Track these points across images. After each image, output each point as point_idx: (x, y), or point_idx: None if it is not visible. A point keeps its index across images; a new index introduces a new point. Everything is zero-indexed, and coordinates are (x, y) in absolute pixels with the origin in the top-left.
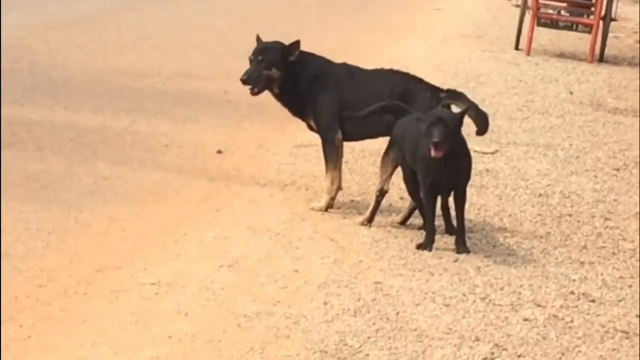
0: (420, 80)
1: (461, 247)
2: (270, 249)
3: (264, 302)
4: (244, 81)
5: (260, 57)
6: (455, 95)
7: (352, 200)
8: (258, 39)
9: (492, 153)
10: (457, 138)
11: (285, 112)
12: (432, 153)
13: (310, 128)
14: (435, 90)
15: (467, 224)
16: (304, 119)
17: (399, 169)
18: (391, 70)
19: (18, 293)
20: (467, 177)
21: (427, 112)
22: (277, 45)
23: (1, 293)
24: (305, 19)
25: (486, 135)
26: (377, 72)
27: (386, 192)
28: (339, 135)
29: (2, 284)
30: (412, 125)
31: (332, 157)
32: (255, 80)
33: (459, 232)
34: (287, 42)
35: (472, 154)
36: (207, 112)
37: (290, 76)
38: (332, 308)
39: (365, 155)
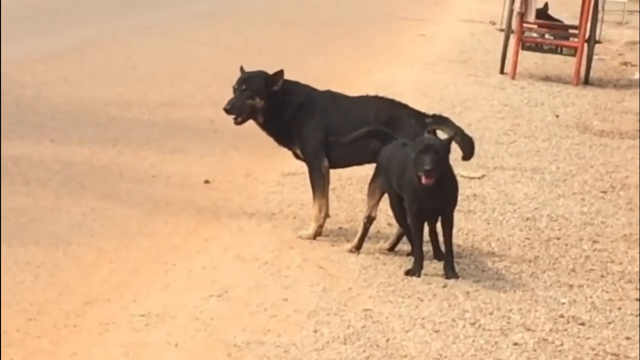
0: (406, 107)
1: (450, 272)
2: (259, 278)
3: (254, 331)
4: (227, 111)
5: (243, 87)
6: (441, 121)
7: (340, 228)
8: (242, 69)
9: (479, 178)
10: (446, 165)
11: (271, 140)
12: (424, 181)
13: (297, 156)
14: (420, 115)
15: (455, 249)
16: (290, 148)
17: (387, 195)
18: (376, 97)
19: (7, 327)
20: (454, 202)
21: (415, 139)
22: (260, 75)
23: None
24: (290, 46)
25: (473, 160)
26: (362, 99)
27: (374, 218)
28: (326, 163)
29: None
30: (398, 151)
31: (319, 184)
32: (238, 110)
33: (447, 258)
34: (272, 70)
35: (459, 179)
36: (194, 142)
37: (274, 105)
38: (322, 336)
39: (352, 183)
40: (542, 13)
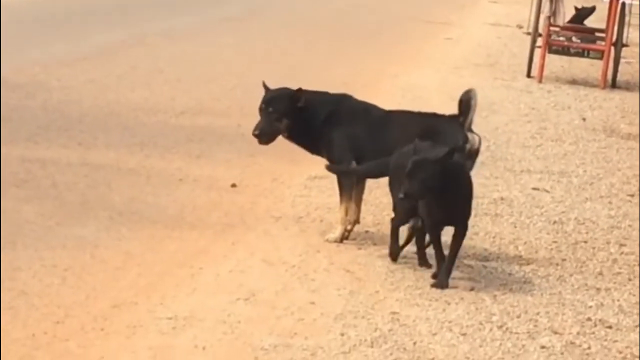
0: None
1: (443, 280)
2: (286, 281)
3: (281, 334)
4: (257, 136)
5: (270, 109)
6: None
7: (366, 231)
8: (264, 85)
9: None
10: (441, 179)
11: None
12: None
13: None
14: (454, 118)
15: (482, 252)
16: (319, 155)
17: None
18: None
19: (35, 330)
20: (466, 212)
21: (413, 150)
22: (284, 93)
23: (18, 331)
24: (316, 50)
25: (500, 163)
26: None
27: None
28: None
29: (19, 321)
30: (405, 158)
31: (346, 188)
32: (268, 134)
33: (447, 264)
34: (300, 76)
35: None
36: (221, 146)
37: (299, 121)
38: (349, 339)
39: (379, 186)
40: (582, 17)
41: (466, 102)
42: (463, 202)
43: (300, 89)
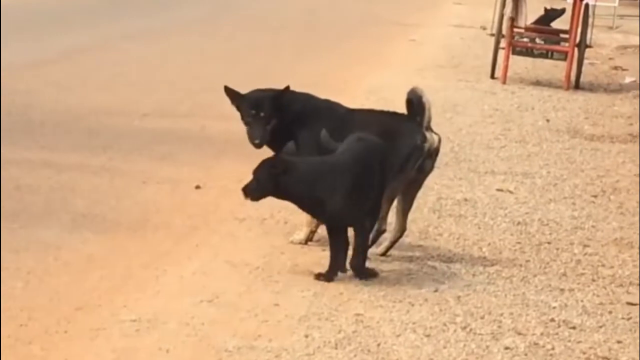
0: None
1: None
2: (250, 283)
3: (244, 336)
4: (259, 145)
5: (262, 114)
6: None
7: None
8: (227, 90)
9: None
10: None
11: (263, 147)
12: None
13: None
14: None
15: (446, 253)
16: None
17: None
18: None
19: None
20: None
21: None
22: (268, 95)
23: None
24: (281, 52)
25: (464, 165)
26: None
27: (384, 231)
28: None
29: None
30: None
31: None
32: (265, 140)
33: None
34: (263, 76)
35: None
36: (185, 148)
37: (280, 122)
38: (313, 341)
39: None
40: (551, 18)
41: (417, 101)
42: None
43: (288, 88)
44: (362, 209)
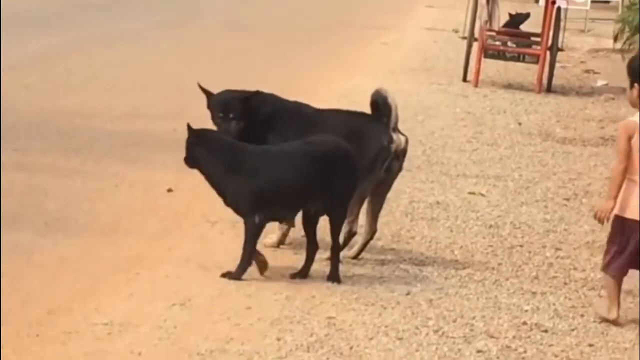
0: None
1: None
2: (222, 286)
3: (217, 339)
4: None
5: (231, 115)
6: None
7: (302, 236)
8: (202, 88)
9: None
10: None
11: None
12: None
13: None
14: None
15: (418, 256)
16: None
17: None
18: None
19: None
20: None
21: None
22: (237, 97)
23: None
24: (253, 55)
25: (435, 168)
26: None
27: (355, 234)
28: None
29: None
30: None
31: None
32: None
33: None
34: (235, 79)
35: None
36: (157, 151)
37: (247, 121)
38: (285, 344)
39: None
40: (517, 23)
41: (383, 102)
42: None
43: (258, 92)
44: (262, 204)
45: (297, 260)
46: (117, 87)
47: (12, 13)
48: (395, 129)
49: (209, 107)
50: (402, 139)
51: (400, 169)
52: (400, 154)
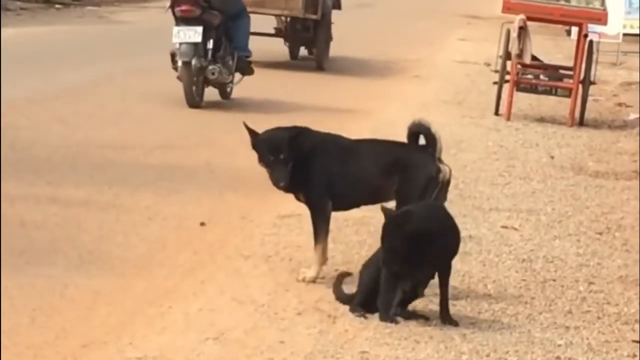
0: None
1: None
2: (255, 320)
3: None
4: (284, 188)
5: (281, 156)
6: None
7: (336, 270)
8: (247, 128)
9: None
10: None
11: (268, 182)
12: None
13: (299, 199)
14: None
15: (451, 290)
16: (294, 193)
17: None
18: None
19: None
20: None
21: None
22: (285, 136)
23: None
24: (284, 89)
25: (468, 202)
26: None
27: None
28: (329, 206)
29: None
30: None
31: (323, 227)
32: (290, 181)
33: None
34: (271, 111)
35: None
36: (190, 184)
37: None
38: None
39: (348, 225)
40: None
41: (427, 133)
42: None
43: (304, 128)
44: None
45: (330, 293)
46: (149, 119)
47: (44, 47)
48: (440, 159)
49: (254, 147)
50: (447, 169)
51: (445, 199)
52: (445, 184)
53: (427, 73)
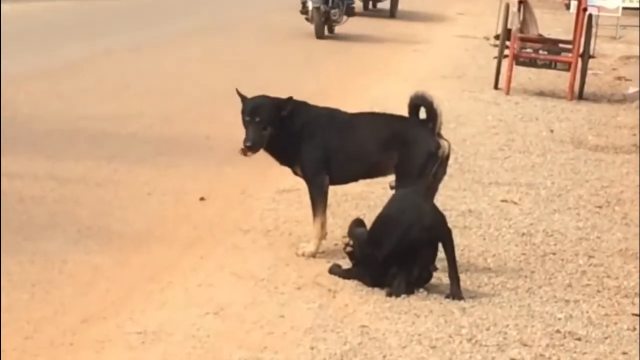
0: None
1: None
2: (255, 295)
3: (250, 348)
4: (250, 148)
5: (257, 119)
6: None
7: (335, 244)
8: (240, 94)
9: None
10: None
11: (267, 157)
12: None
13: (296, 174)
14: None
15: None
16: (290, 166)
17: None
18: (373, 113)
19: (4, 346)
20: None
21: None
22: (269, 102)
23: None
24: (284, 62)
25: (468, 176)
26: (361, 116)
27: None
28: (327, 180)
29: None
30: None
31: (321, 202)
32: (259, 144)
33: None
34: (268, 86)
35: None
36: (189, 159)
37: (280, 130)
38: (318, 353)
39: (347, 199)
40: None
41: (429, 107)
42: None
43: (290, 99)
44: None
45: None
46: (148, 94)
47: (42, 23)
48: (439, 134)
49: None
50: (446, 144)
51: (444, 174)
52: (445, 160)
53: (425, 48)
